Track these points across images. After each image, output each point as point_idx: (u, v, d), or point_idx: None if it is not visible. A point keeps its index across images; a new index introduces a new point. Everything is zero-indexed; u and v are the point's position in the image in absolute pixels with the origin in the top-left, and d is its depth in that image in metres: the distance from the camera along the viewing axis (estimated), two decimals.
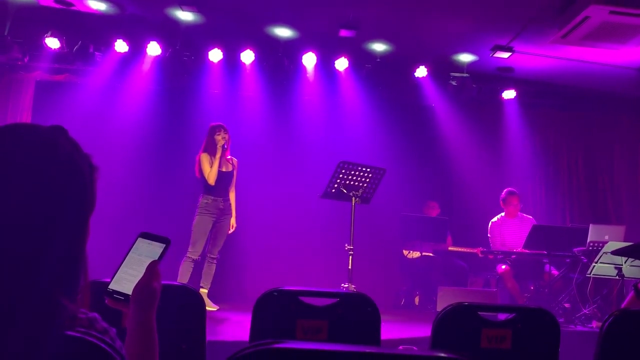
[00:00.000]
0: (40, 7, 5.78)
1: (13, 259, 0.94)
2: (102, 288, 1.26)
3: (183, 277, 5.17)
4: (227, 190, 5.40)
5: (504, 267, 5.93)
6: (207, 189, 5.29)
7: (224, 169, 5.36)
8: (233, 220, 5.46)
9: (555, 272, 5.88)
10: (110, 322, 1.07)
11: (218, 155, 5.24)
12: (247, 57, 6.57)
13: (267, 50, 6.57)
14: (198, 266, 5.96)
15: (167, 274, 1.84)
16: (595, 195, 7.55)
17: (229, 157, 5.47)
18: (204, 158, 5.29)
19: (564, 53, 6.08)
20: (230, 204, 5.43)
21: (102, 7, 5.73)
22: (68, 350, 0.95)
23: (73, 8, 5.79)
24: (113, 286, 1.25)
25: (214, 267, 5.39)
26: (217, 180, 5.26)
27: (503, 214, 6.30)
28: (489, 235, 6.30)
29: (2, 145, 0.99)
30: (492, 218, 6.37)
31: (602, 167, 7.60)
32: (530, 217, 6.33)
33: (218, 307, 5.42)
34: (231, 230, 5.48)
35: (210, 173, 5.22)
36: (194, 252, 5.24)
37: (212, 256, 5.39)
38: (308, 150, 6.95)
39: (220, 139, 5.27)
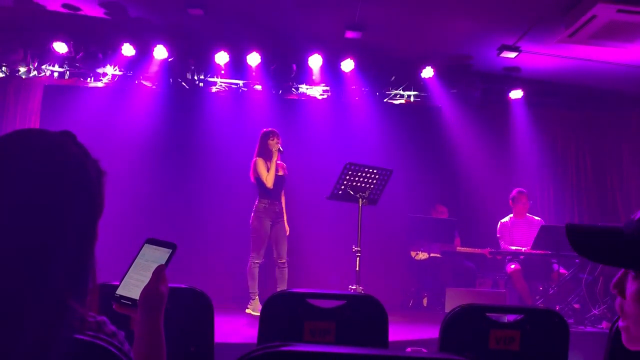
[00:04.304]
0: (48, 12, 5.82)
1: (22, 262, 0.94)
2: (110, 291, 1.26)
3: (253, 282, 5.36)
4: (280, 194, 5.52)
5: (513, 266, 5.90)
6: (264, 193, 5.40)
7: (278, 173, 5.45)
8: (286, 224, 5.55)
9: (563, 271, 5.85)
10: (119, 325, 1.07)
11: (274, 159, 5.36)
12: (253, 59, 6.59)
13: (273, 51, 6.59)
14: (205, 266, 5.97)
15: (176, 277, 1.84)
16: (604, 194, 7.50)
17: (279, 161, 5.55)
18: (260, 163, 5.40)
19: (571, 52, 6.05)
20: (282, 208, 5.54)
21: (109, 11, 5.76)
22: (77, 354, 0.96)
23: (80, 12, 5.83)
24: (120, 291, 1.26)
25: (285, 271, 5.45)
26: (273, 184, 5.36)
27: (512, 215, 6.28)
28: (498, 235, 6.27)
29: (11, 151, 1.00)
30: (500, 218, 6.34)
31: (610, 166, 7.55)
32: (539, 218, 6.29)
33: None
34: (287, 234, 5.55)
35: (268, 177, 5.33)
36: (258, 256, 5.38)
37: (281, 261, 5.45)
38: (314, 151, 6.95)
39: (274, 144, 5.38)
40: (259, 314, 5.58)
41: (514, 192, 6.29)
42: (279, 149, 5.38)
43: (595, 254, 0.91)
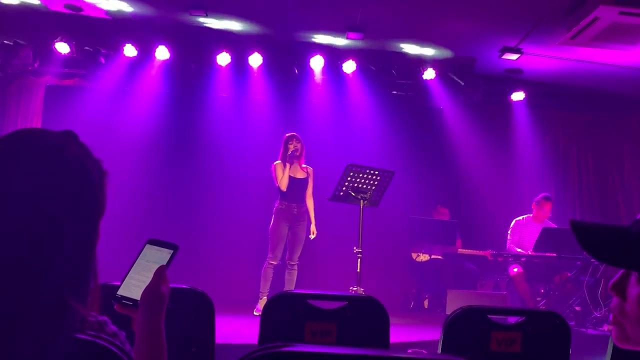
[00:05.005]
0: (50, 12, 5.83)
1: (23, 262, 0.95)
2: (112, 291, 1.26)
3: (265, 282, 5.42)
4: (301, 197, 5.55)
5: (515, 269, 5.88)
6: (282, 195, 5.49)
7: (297, 176, 5.52)
8: (313, 227, 5.60)
9: (567, 273, 5.83)
10: (120, 326, 1.07)
11: (287, 163, 5.44)
12: (255, 60, 6.59)
13: (275, 53, 6.60)
14: (206, 266, 5.96)
15: (178, 277, 1.85)
16: (605, 196, 7.49)
17: (304, 165, 5.61)
18: (277, 166, 5.51)
19: (573, 54, 6.04)
20: (305, 210, 5.56)
21: (111, 11, 5.77)
22: (78, 353, 0.96)
23: (82, 13, 5.83)
24: (121, 292, 1.26)
25: (294, 273, 5.51)
26: (290, 187, 5.44)
27: (530, 215, 6.24)
28: (509, 231, 6.24)
29: (13, 151, 1.00)
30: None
31: (612, 168, 7.54)
32: (555, 225, 6.27)
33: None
34: (312, 236, 5.59)
35: (282, 179, 5.42)
36: (273, 258, 5.44)
37: (292, 263, 5.52)
38: (316, 153, 6.94)
39: (291, 147, 5.47)
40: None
41: (540, 196, 6.22)
42: (292, 152, 5.45)
43: (600, 252, 0.90)
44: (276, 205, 5.53)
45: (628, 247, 0.88)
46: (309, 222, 5.59)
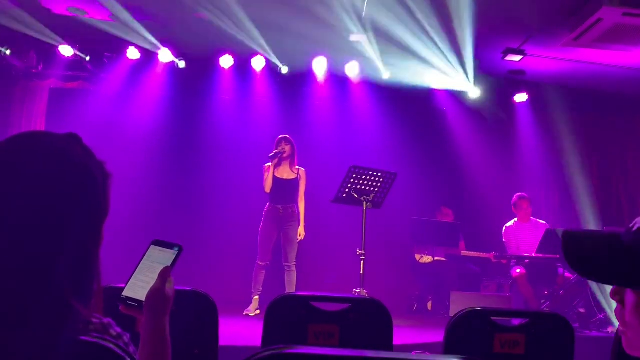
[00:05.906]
0: (53, 15, 5.86)
1: (26, 263, 0.95)
2: (116, 293, 1.27)
3: (255, 283, 5.49)
4: (288, 198, 5.55)
5: (518, 270, 5.88)
6: (268, 196, 5.55)
7: (284, 177, 5.54)
8: (301, 229, 5.60)
9: (568, 275, 5.82)
10: (124, 327, 1.08)
11: (272, 164, 5.48)
12: (258, 63, 6.60)
13: (277, 55, 6.60)
14: (209, 268, 5.96)
15: (181, 279, 1.85)
16: (609, 198, 7.47)
17: (297, 167, 5.63)
18: (265, 168, 5.56)
19: (576, 55, 6.03)
20: (292, 212, 5.56)
21: (114, 14, 5.79)
22: (82, 355, 0.96)
23: (86, 16, 5.85)
24: (126, 293, 1.26)
25: (293, 274, 5.51)
26: (275, 188, 5.48)
27: (517, 219, 6.25)
28: (503, 240, 6.25)
29: (17, 153, 1.00)
30: (505, 222, 6.32)
31: (616, 170, 7.52)
32: (544, 222, 6.26)
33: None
34: (300, 238, 5.59)
35: (265, 181, 5.48)
36: (261, 259, 5.50)
37: (288, 264, 5.53)
38: (319, 154, 6.95)
39: (278, 149, 5.50)
40: (250, 314, 5.62)
41: (515, 197, 6.26)
42: (276, 153, 5.47)
43: (591, 272, 0.91)
44: (265, 206, 5.57)
45: (617, 264, 0.88)
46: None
